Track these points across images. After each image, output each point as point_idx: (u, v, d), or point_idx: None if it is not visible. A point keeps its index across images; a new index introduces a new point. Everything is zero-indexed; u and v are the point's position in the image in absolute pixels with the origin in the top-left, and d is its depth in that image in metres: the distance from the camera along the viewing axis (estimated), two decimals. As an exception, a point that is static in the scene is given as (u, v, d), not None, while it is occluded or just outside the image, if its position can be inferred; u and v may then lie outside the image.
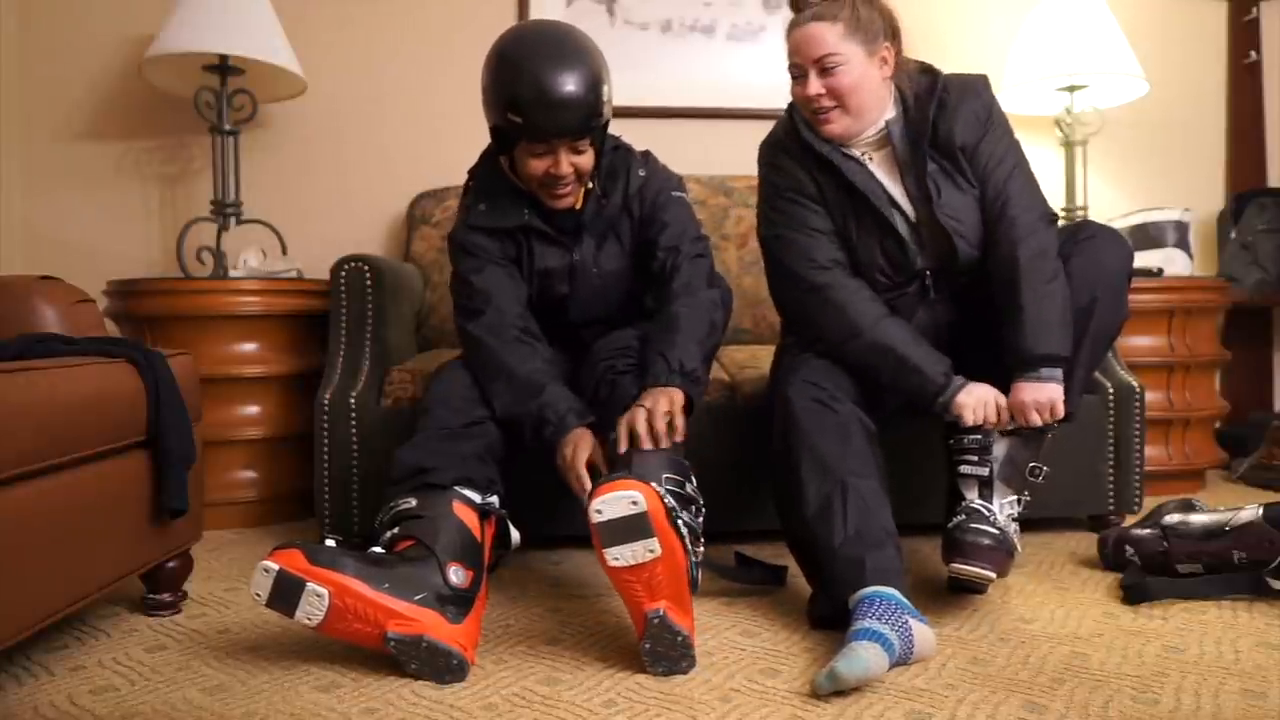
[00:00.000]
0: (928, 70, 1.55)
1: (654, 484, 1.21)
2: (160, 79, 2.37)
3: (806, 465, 1.41)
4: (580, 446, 1.38)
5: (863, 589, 1.28)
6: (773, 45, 2.74)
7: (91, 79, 2.57)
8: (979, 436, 1.48)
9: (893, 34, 1.51)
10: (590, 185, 1.58)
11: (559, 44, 1.45)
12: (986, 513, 1.44)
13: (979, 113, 1.52)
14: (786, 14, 2.84)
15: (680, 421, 1.37)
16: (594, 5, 2.68)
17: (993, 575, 1.39)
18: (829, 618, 1.36)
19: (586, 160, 1.51)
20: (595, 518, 1.18)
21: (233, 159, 2.34)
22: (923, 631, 1.25)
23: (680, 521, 1.22)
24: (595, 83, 1.45)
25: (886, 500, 1.41)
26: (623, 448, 1.33)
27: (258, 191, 2.54)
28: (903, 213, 1.52)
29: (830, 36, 1.44)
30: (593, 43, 1.50)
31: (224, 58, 2.24)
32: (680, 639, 1.21)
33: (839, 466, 1.40)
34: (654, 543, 1.17)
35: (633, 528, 1.17)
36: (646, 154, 1.68)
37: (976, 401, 1.45)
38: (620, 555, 1.18)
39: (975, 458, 1.49)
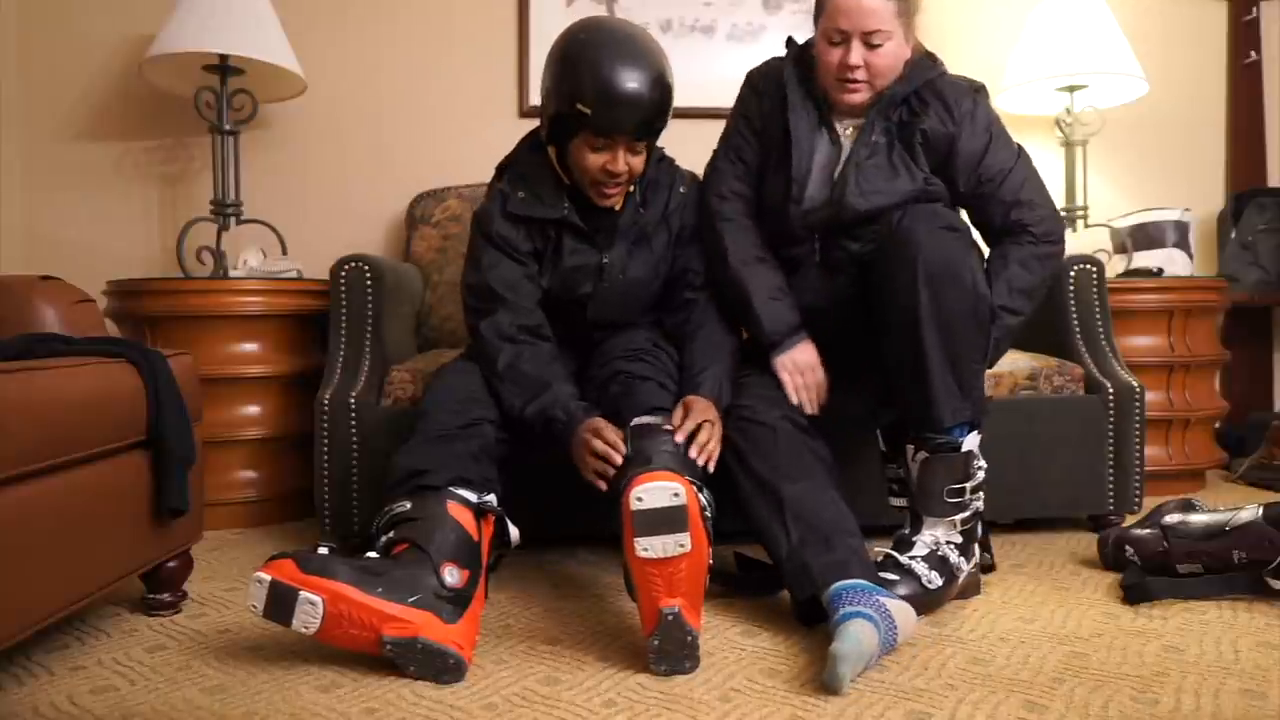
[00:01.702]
0: (926, 58, 1.58)
1: (688, 478, 1.22)
2: (160, 79, 2.37)
3: (745, 485, 1.44)
4: (602, 429, 1.37)
5: (825, 589, 1.29)
6: (773, 45, 2.73)
7: (91, 79, 2.57)
8: (894, 467, 1.50)
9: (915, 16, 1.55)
10: (631, 190, 1.59)
11: (634, 42, 1.48)
12: (899, 555, 1.43)
13: (961, 111, 1.54)
14: (786, 14, 2.84)
15: (715, 448, 1.40)
16: (594, 5, 2.68)
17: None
18: (808, 616, 1.37)
19: (640, 162, 1.53)
20: (635, 504, 1.17)
21: (233, 159, 2.34)
22: (899, 606, 1.26)
23: (709, 521, 1.23)
24: (664, 86, 1.48)
25: (828, 495, 1.42)
26: (680, 437, 1.36)
27: (258, 191, 2.53)
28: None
29: (885, 11, 1.45)
30: (660, 46, 1.52)
31: (224, 58, 2.24)
32: (690, 639, 1.21)
33: (770, 477, 1.42)
34: (685, 538, 1.18)
35: (669, 520, 1.17)
36: (693, 175, 1.71)
37: (793, 365, 1.51)
38: (650, 546, 1.18)
39: (896, 487, 1.51)
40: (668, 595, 1.19)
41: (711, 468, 1.38)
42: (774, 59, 1.66)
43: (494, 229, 1.57)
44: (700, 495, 1.24)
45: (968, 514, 1.46)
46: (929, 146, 1.54)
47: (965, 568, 1.46)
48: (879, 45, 1.46)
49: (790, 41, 1.64)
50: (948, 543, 1.44)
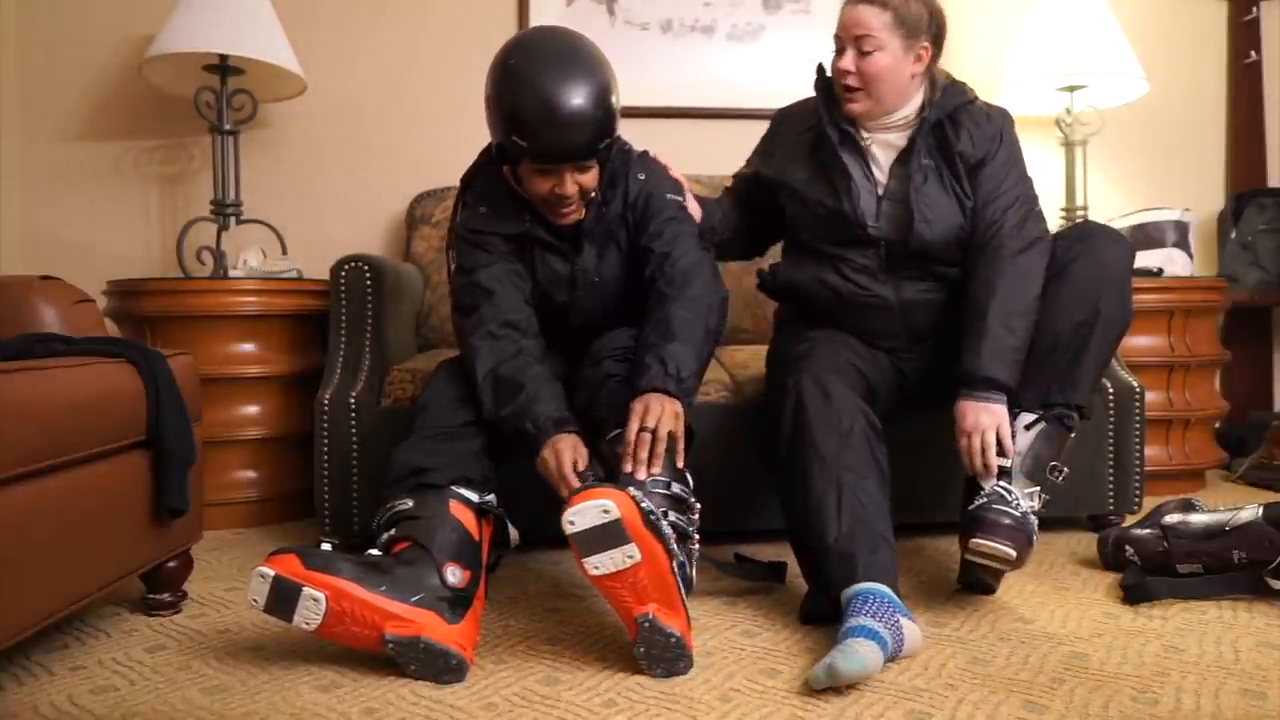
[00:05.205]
0: (959, 85, 1.62)
1: (631, 489, 1.20)
2: (160, 79, 2.37)
3: (807, 458, 1.42)
4: (562, 452, 1.34)
5: (855, 585, 1.29)
6: (772, 45, 2.74)
7: (91, 79, 2.57)
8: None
9: (935, 35, 1.56)
10: (593, 194, 1.55)
11: (566, 62, 1.41)
12: (1009, 496, 1.43)
13: (990, 134, 1.59)
14: (786, 14, 2.83)
15: (681, 444, 1.34)
16: (594, 5, 2.68)
17: (1012, 554, 1.36)
18: (820, 614, 1.37)
19: (591, 178, 1.48)
20: (569, 529, 1.18)
21: (233, 159, 2.34)
22: (912, 630, 1.27)
23: (662, 524, 1.21)
24: (604, 104, 1.41)
25: (884, 502, 1.41)
26: (628, 468, 1.31)
27: (258, 191, 2.53)
28: (872, 181, 1.60)
29: (875, 21, 1.51)
30: (602, 57, 1.45)
31: (224, 58, 2.24)
32: (673, 640, 1.20)
33: (837, 463, 1.40)
34: (632, 549, 1.17)
35: (608, 535, 1.17)
36: (645, 155, 1.65)
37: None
38: (600, 564, 1.18)
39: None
40: (638, 604, 1.19)
41: (680, 461, 1.34)
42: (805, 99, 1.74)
43: (473, 236, 1.55)
44: (644, 502, 1.20)
45: (1048, 498, 1.50)
46: (967, 167, 1.59)
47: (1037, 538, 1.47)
48: (869, 53, 1.52)
49: (820, 68, 1.67)
50: (1029, 508, 1.45)
